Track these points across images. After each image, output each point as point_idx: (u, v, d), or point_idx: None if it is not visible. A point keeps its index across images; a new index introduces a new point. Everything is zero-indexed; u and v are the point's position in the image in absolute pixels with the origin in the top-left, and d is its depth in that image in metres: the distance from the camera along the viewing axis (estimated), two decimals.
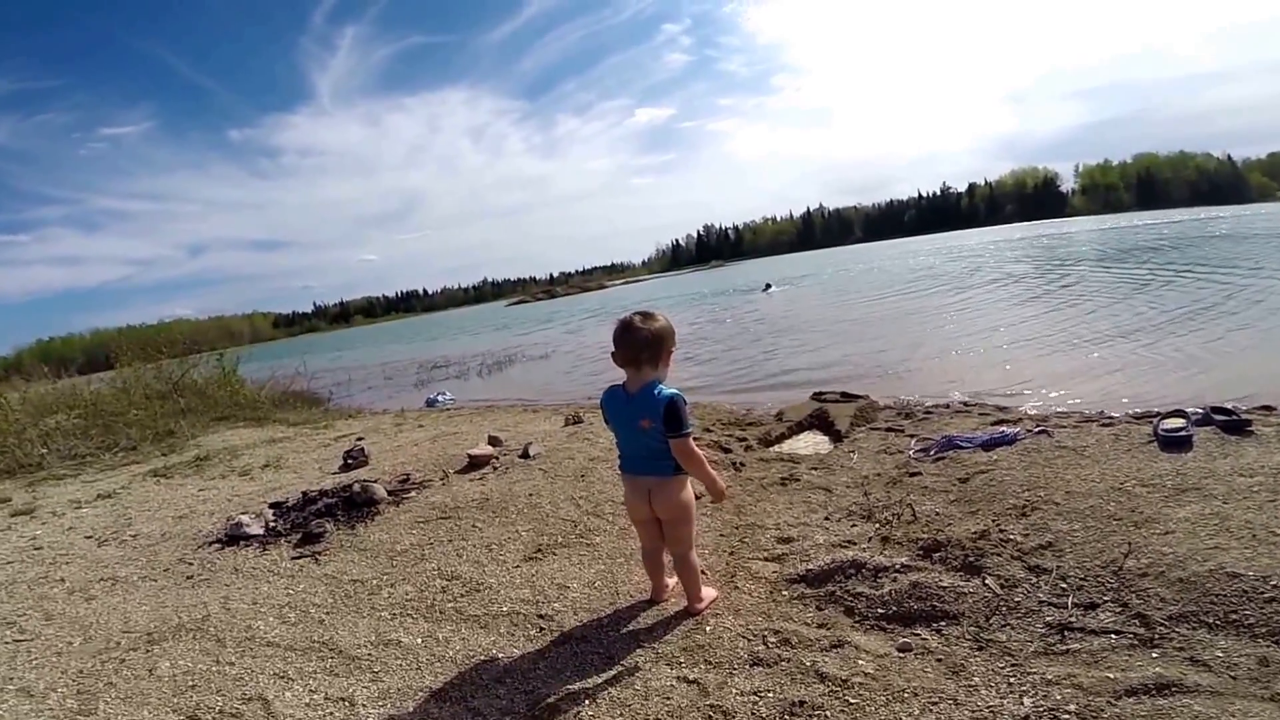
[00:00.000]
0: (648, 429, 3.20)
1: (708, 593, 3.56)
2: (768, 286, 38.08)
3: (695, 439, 3.27)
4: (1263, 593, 2.83)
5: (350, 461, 7.22)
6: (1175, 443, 4.51)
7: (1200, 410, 4.92)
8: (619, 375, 3.32)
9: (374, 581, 4.29)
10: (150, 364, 15.55)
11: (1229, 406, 4.93)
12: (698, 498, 3.69)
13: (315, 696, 3.16)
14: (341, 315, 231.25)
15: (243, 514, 5.74)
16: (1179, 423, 4.73)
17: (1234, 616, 2.77)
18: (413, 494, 5.80)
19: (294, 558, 4.87)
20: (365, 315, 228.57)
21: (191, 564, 5.05)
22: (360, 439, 8.45)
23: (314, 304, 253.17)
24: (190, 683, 3.39)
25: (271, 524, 5.52)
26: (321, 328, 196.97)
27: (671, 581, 3.66)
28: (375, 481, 5.98)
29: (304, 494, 6.08)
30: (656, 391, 3.17)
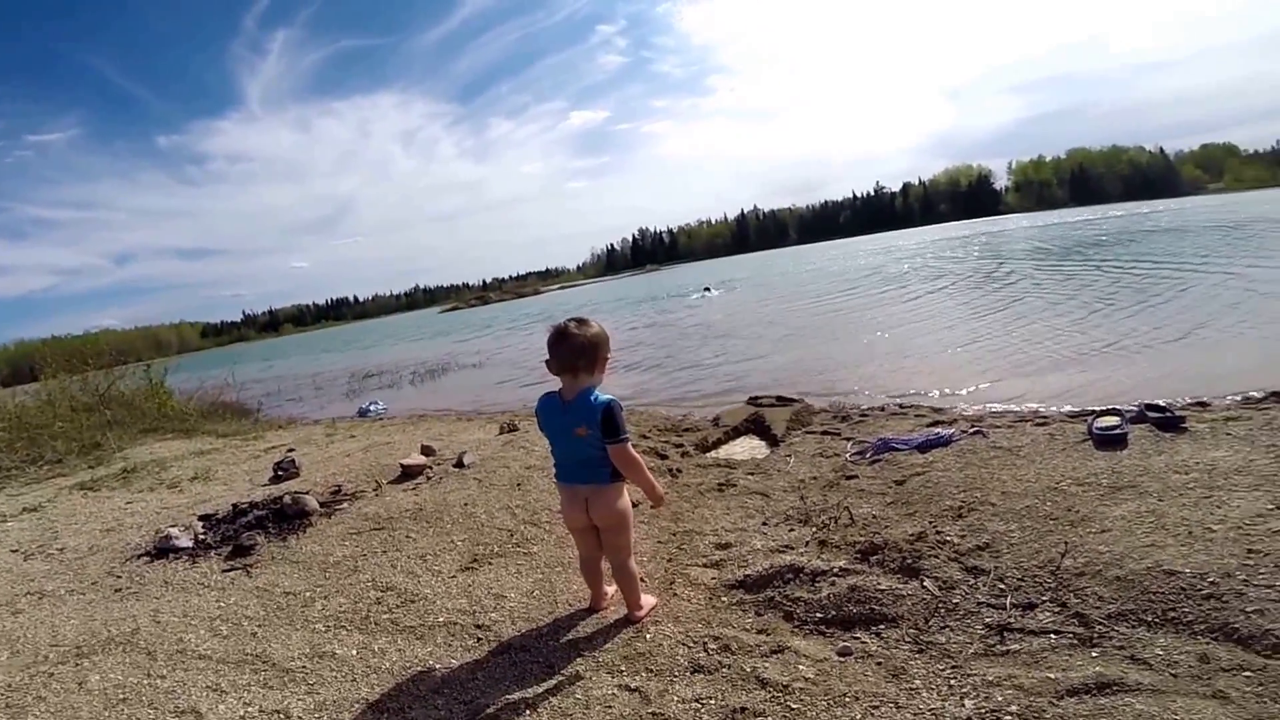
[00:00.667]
0: (584, 436, 3.18)
1: (647, 600, 3.54)
2: (706, 290, 38.01)
3: (633, 446, 3.25)
4: (1200, 589, 2.87)
5: (281, 473, 7.12)
6: (1110, 441, 4.59)
7: (1134, 407, 5.03)
8: (556, 383, 3.29)
9: (307, 594, 4.24)
10: (76, 376, 15.21)
11: (1163, 403, 5.05)
12: (635, 505, 3.68)
13: (250, 709, 3.11)
14: (271, 324, 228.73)
15: (171, 526, 5.66)
16: (1113, 420, 4.81)
17: (1172, 614, 2.80)
18: (345, 505, 5.73)
19: (225, 570, 4.81)
20: (295, 323, 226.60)
21: (120, 577, 4.98)
22: (291, 450, 8.37)
23: (243, 313, 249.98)
24: (121, 696, 3.35)
25: (201, 536, 5.45)
26: (251, 337, 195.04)
27: (611, 590, 3.64)
28: (306, 493, 5.91)
29: (234, 506, 5.99)
30: (593, 398, 3.16)
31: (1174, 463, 4.09)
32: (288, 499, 5.70)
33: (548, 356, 3.24)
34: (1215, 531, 3.25)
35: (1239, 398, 6.05)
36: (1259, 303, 11.59)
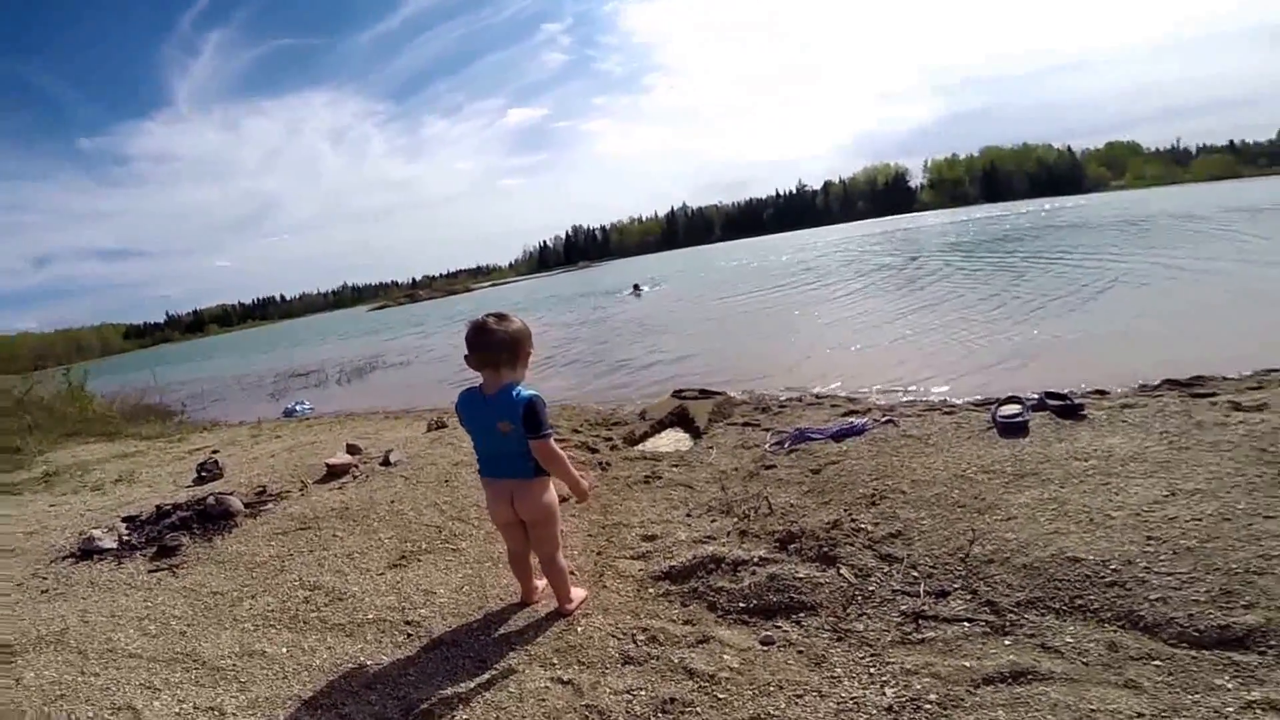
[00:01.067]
0: (507, 432, 3.17)
1: (577, 593, 3.59)
2: (636, 288, 37.16)
3: (563, 441, 3.28)
4: (1104, 576, 2.99)
5: (204, 474, 7.03)
6: (1013, 428, 4.78)
7: (1036, 396, 5.21)
8: (476, 379, 3.31)
9: (234, 593, 4.22)
10: None
11: (1063, 391, 5.23)
12: (562, 500, 3.73)
13: (184, 706, 3.13)
14: (195, 324, 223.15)
15: (95, 528, 5.60)
16: (1015, 409, 5.00)
17: (1079, 601, 2.91)
18: (270, 505, 5.71)
19: (151, 571, 4.78)
20: (220, 324, 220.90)
21: (46, 579, 4.94)
22: (215, 452, 8.29)
23: (167, 314, 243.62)
24: (59, 692, 3.36)
25: (125, 538, 5.40)
26: (175, 338, 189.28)
27: (540, 584, 3.67)
28: (231, 494, 5.87)
29: (158, 507, 5.92)
30: (515, 393, 3.13)
31: (1074, 450, 4.27)
32: (211, 500, 5.66)
33: (467, 352, 3.21)
34: (1115, 518, 3.39)
35: (1135, 385, 6.29)
36: (1157, 294, 12.18)
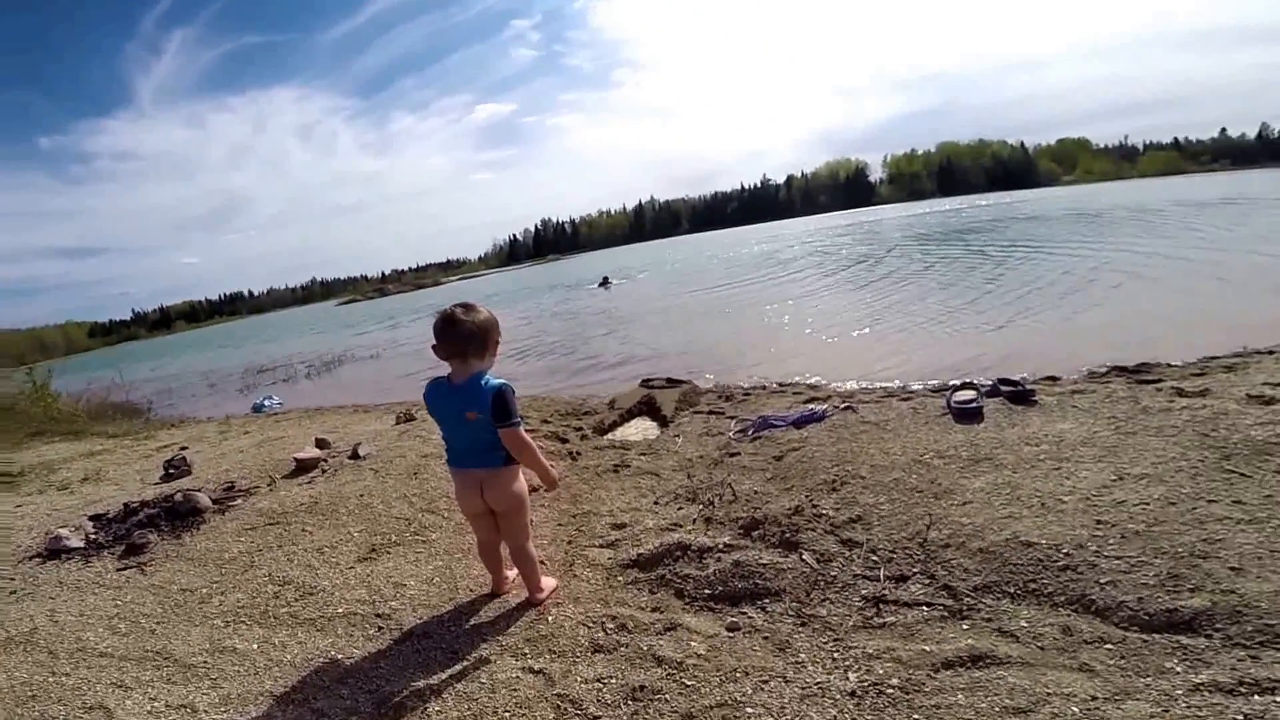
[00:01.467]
0: (474, 420, 3.18)
1: (547, 582, 3.62)
2: (605, 281, 36.19)
3: (532, 430, 3.32)
4: (1056, 561, 3.06)
5: (172, 471, 7.01)
6: (967, 414, 4.89)
7: (989, 382, 5.32)
8: (444, 371, 3.34)
9: (204, 590, 4.22)
10: None
11: (1016, 378, 5.35)
12: (532, 490, 3.78)
13: (156, 704, 3.13)
14: (162, 321, 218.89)
15: (62, 528, 5.56)
16: (970, 395, 5.11)
17: (1033, 585, 2.98)
18: (239, 501, 5.70)
19: (119, 569, 4.76)
20: (188, 320, 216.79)
21: (12, 579, 4.89)
22: (184, 448, 8.27)
23: (133, 311, 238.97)
24: (30, 693, 3.35)
25: (93, 536, 5.38)
26: (141, 335, 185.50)
27: (511, 574, 3.72)
28: (199, 490, 5.86)
29: (125, 505, 5.89)
30: (483, 382, 3.15)
31: (1026, 435, 4.37)
32: (179, 497, 5.64)
33: (434, 343, 3.22)
34: (1066, 503, 3.48)
35: (1085, 372, 6.44)
36: (1111, 283, 12.48)
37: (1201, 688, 2.33)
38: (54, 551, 5.21)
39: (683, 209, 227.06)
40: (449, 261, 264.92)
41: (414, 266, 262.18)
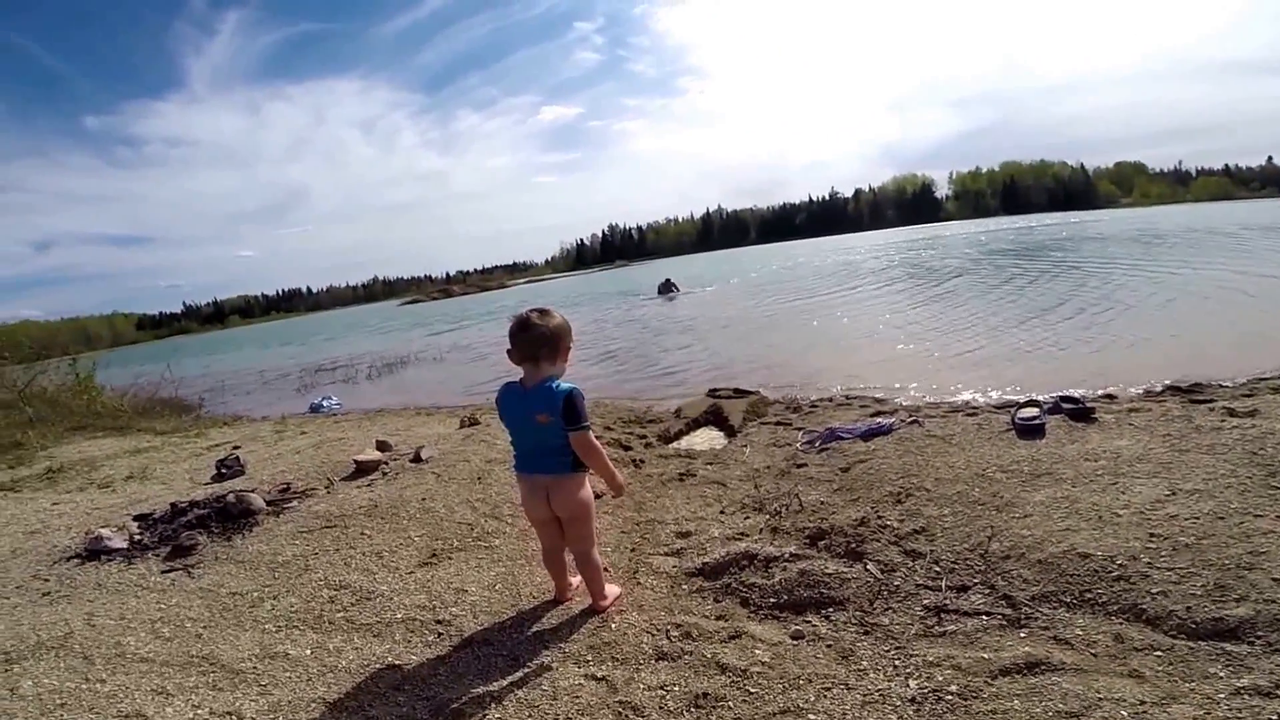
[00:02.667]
0: (545, 424, 3.20)
1: (611, 590, 3.61)
2: (668, 286, 34.15)
3: (597, 438, 3.30)
4: (1111, 571, 3.10)
5: (224, 471, 6.97)
6: (1030, 430, 4.91)
7: (1051, 399, 5.33)
8: (512, 376, 3.34)
9: (255, 594, 4.14)
10: None
11: (1076, 395, 5.38)
12: (597, 496, 3.76)
13: (199, 711, 3.04)
14: (216, 315, 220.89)
15: (103, 527, 5.47)
16: (1033, 411, 5.15)
17: (1089, 595, 3.02)
18: (294, 503, 5.63)
19: (164, 571, 4.64)
20: (242, 315, 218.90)
21: (48, 580, 4.76)
22: (236, 448, 8.23)
23: (184, 304, 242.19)
24: (59, 701, 3.22)
25: (137, 537, 5.27)
26: (193, 329, 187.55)
27: (575, 581, 3.71)
28: (252, 491, 5.79)
29: (173, 505, 5.78)
30: (554, 386, 3.18)
31: (1085, 451, 4.39)
32: (232, 497, 5.56)
33: (509, 346, 3.25)
34: (1121, 516, 3.50)
35: (1141, 390, 6.47)
36: (1174, 304, 12.37)
37: (1243, 691, 2.40)
38: (94, 552, 5.08)
39: (750, 219, 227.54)
40: (515, 264, 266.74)
41: (479, 268, 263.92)
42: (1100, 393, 6.36)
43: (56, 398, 14.30)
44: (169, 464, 8.24)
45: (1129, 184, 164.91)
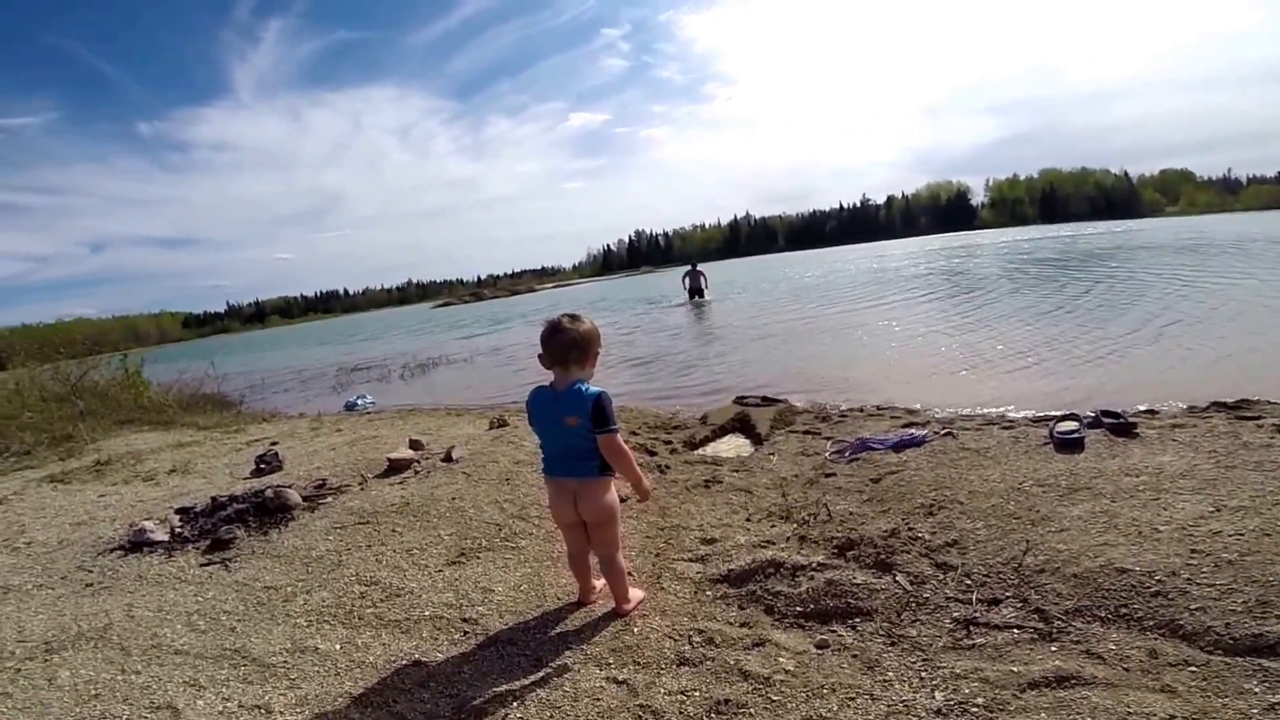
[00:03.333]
0: (574, 426, 3.25)
1: (635, 594, 3.63)
2: (694, 275, 30.64)
3: (622, 438, 3.33)
4: (1149, 587, 3.03)
5: (263, 466, 7.05)
6: (1069, 444, 4.81)
7: (1091, 413, 5.24)
8: (543, 379, 3.38)
9: (288, 588, 4.20)
10: (47, 365, 14.89)
11: (1117, 410, 5.25)
12: (623, 500, 3.77)
13: (229, 704, 3.08)
14: (256, 315, 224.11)
15: (146, 520, 5.56)
16: (1072, 425, 5.04)
17: (1124, 610, 2.96)
18: (329, 499, 5.71)
19: (202, 564, 4.73)
20: (282, 315, 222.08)
21: (91, 571, 4.86)
22: (274, 443, 8.30)
23: (227, 303, 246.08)
24: (94, 692, 3.28)
25: (178, 530, 5.36)
26: (234, 328, 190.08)
27: (599, 583, 3.72)
28: (289, 487, 5.86)
29: (213, 499, 5.88)
30: (583, 389, 3.24)
31: (1125, 466, 4.31)
32: (269, 492, 5.63)
33: (540, 351, 3.32)
34: (1162, 532, 3.43)
35: (1185, 406, 6.29)
36: (1219, 317, 11.96)
37: (1277, 706, 2.36)
38: (136, 544, 5.18)
39: (779, 226, 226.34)
40: (543, 269, 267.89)
41: (509, 272, 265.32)
42: (1143, 408, 6.24)
43: (106, 391, 14.52)
44: (210, 458, 8.36)
45: (1175, 192, 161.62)
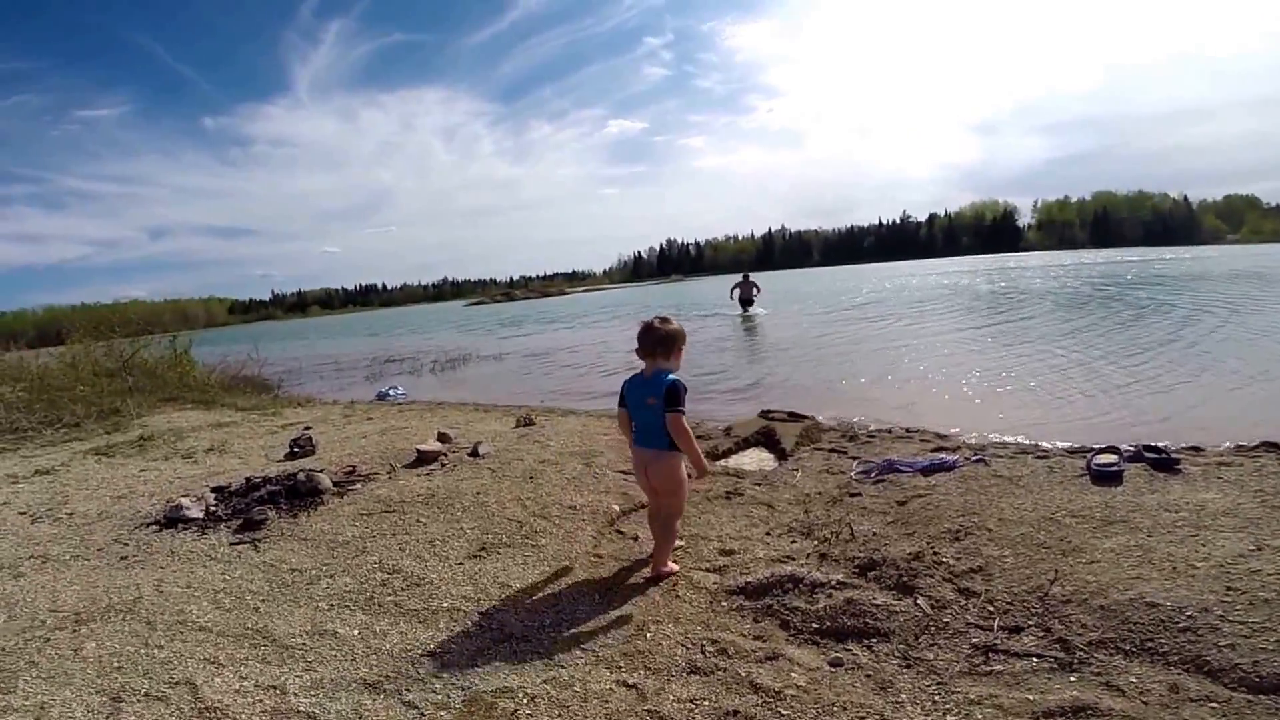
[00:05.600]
0: (652, 405, 3.83)
1: (672, 565, 4.07)
2: (747, 296, 28.34)
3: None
4: (1178, 622, 2.96)
5: (297, 450, 7.17)
6: (1106, 477, 4.69)
7: (1132, 447, 5.11)
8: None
9: (313, 571, 4.28)
10: (101, 341, 15.22)
11: (1160, 445, 5.12)
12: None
13: (245, 683, 3.13)
14: (299, 305, 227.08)
15: (183, 497, 5.68)
16: (1111, 458, 4.91)
17: (1149, 644, 2.90)
18: (358, 486, 5.79)
19: (233, 543, 4.83)
20: (323, 306, 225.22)
21: (127, 545, 4.98)
22: (308, 428, 8.42)
23: (272, 292, 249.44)
24: (116, 664, 3.35)
25: (212, 508, 5.48)
26: (278, 316, 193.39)
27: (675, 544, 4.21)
28: (321, 471, 5.95)
29: (247, 480, 6.01)
30: (664, 376, 3.84)
31: (1165, 501, 4.19)
32: (302, 476, 5.73)
33: (637, 345, 3.95)
34: (1198, 568, 3.35)
35: (1233, 445, 6.08)
36: (1276, 354, 11.57)
37: None
38: (172, 520, 5.29)
39: (814, 240, 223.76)
40: (575, 273, 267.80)
41: (541, 275, 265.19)
42: (1187, 445, 6.00)
43: (155, 369, 14.88)
44: (246, 439, 8.53)
45: (1238, 219, 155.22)
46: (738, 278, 30.25)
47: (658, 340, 3.89)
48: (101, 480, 6.90)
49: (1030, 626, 3.17)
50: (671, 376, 3.84)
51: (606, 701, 2.85)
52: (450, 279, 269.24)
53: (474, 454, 6.39)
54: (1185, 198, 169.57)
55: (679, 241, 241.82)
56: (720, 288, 40.86)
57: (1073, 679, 2.79)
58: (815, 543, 4.29)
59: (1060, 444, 6.43)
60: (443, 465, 6.21)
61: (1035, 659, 2.95)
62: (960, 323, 20.07)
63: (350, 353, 29.21)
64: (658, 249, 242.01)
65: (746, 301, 28.44)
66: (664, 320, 3.98)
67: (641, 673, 3.05)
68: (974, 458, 5.57)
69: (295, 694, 3.04)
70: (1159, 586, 3.24)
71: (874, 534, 4.27)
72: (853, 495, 5.08)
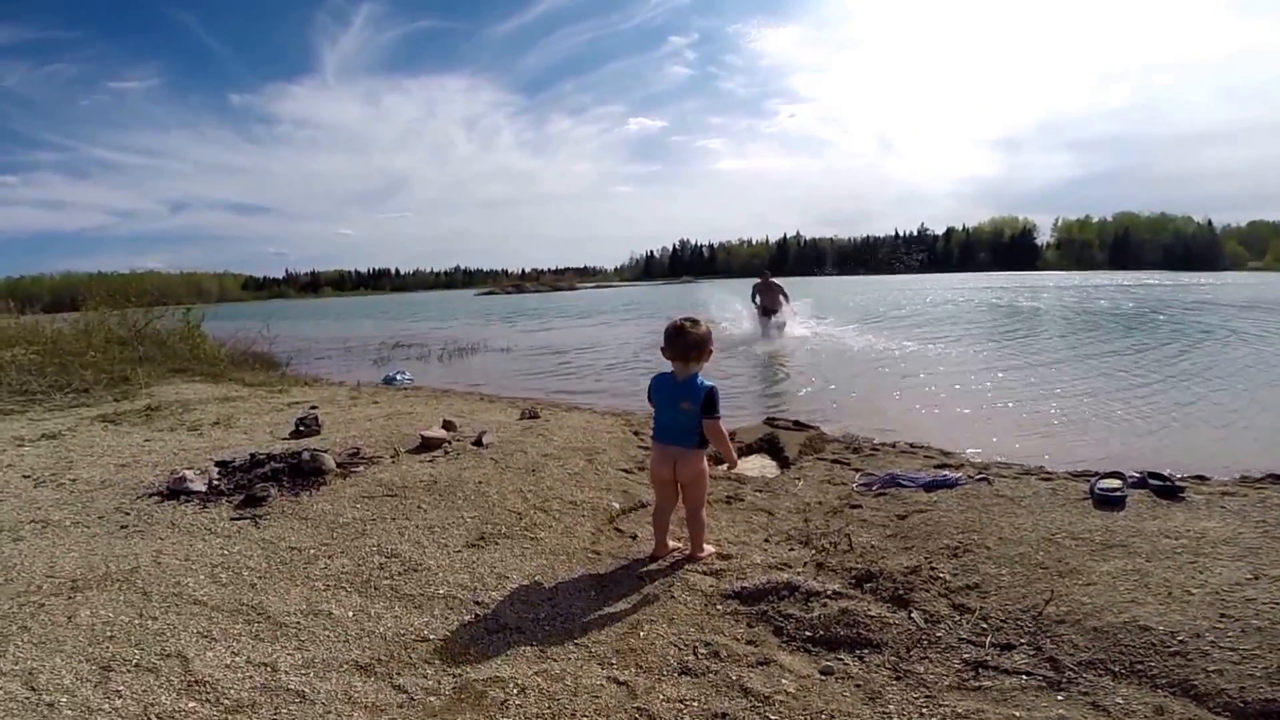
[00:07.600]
0: (687, 410, 3.97)
1: (708, 547, 4.31)
2: (766, 288, 20.48)
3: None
4: (1169, 646, 2.97)
5: (302, 429, 7.20)
6: (1109, 501, 4.66)
7: (1137, 474, 5.09)
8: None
9: (311, 551, 4.28)
10: (116, 309, 15.32)
11: (1165, 472, 5.10)
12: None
13: (237, 659, 3.15)
14: (311, 285, 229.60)
15: (187, 469, 5.69)
16: (1115, 483, 4.89)
17: (1139, 666, 2.90)
18: (361, 468, 5.80)
19: (233, 518, 4.82)
20: (335, 287, 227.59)
21: (128, 514, 4.98)
22: (314, 407, 8.43)
23: (286, 271, 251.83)
24: (109, 633, 3.36)
25: (215, 482, 5.49)
26: (290, 294, 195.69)
27: (673, 544, 4.35)
28: (325, 451, 5.97)
29: (252, 455, 6.02)
30: (700, 382, 3.98)
31: (1166, 528, 4.17)
32: (306, 455, 5.74)
33: (664, 346, 4.03)
34: (1194, 595, 3.34)
35: (1239, 475, 6.08)
36: None
37: None
38: (174, 491, 5.29)
39: (829, 249, 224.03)
40: (585, 268, 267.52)
41: (552, 268, 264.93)
42: (1192, 474, 5.99)
43: (166, 340, 14.99)
44: (252, 415, 8.55)
45: (1262, 245, 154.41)
46: (755, 280, 21.61)
47: (691, 344, 3.97)
48: (107, 447, 6.93)
49: (1022, 644, 3.17)
50: (707, 384, 3.99)
51: (596, 697, 2.86)
52: (462, 267, 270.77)
53: (478, 443, 6.40)
54: (1209, 222, 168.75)
55: (692, 242, 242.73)
56: (734, 291, 39.88)
57: (1059, 698, 2.80)
58: (813, 551, 4.30)
59: (1065, 467, 6.42)
60: (446, 453, 6.21)
61: (1024, 676, 2.96)
62: (974, 339, 20.06)
63: (360, 335, 29.42)
64: (670, 249, 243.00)
65: (768, 312, 20.56)
66: (694, 323, 4.04)
67: (633, 670, 3.06)
68: (977, 476, 5.55)
69: (286, 672, 3.04)
70: (1153, 610, 3.24)
71: (872, 546, 4.27)
72: (853, 507, 5.08)
